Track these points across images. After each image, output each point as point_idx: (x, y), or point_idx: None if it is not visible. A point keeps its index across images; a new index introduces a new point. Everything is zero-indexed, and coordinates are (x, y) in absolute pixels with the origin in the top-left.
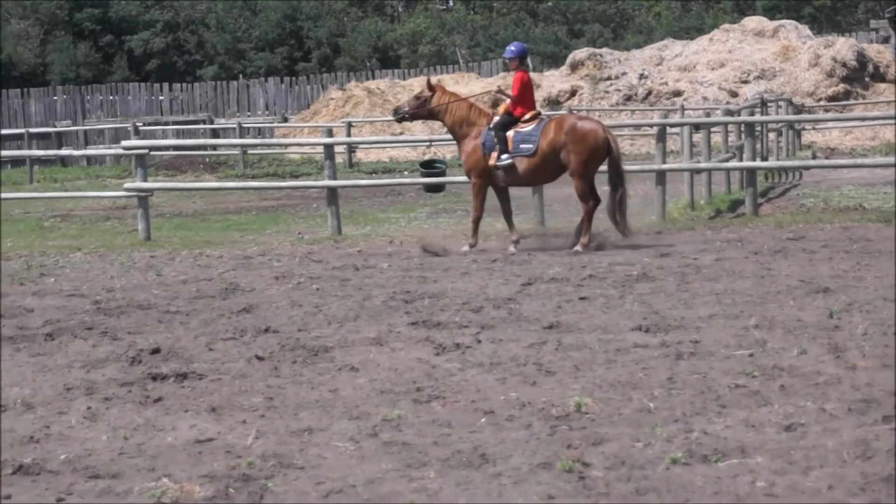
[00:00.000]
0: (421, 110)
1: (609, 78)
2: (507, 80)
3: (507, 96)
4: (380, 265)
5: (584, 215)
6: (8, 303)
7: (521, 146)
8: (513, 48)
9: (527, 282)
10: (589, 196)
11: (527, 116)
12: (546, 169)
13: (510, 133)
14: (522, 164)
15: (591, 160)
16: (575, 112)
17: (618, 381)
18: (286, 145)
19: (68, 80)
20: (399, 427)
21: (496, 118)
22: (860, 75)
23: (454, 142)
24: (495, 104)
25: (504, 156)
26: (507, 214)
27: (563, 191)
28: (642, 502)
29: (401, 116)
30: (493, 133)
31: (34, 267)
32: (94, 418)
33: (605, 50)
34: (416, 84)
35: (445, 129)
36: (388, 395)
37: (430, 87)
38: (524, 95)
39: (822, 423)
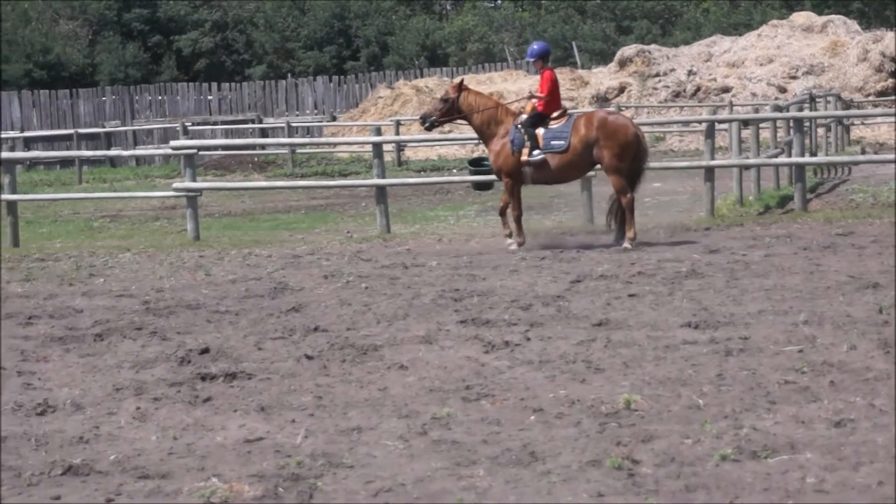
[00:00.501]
0: (450, 114)
1: (657, 74)
2: None
3: (537, 97)
4: (429, 263)
5: (625, 210)
6: (57, 303)
7: (553, 143)
8: (535, 47)
9: (576, 279)
10: (628, 189)
11: (555, 114)
12: (578, 165)
13: (539, 130)
14: (554, 161)
15: (623, 154)
16: (623, 109)
17: (667, 378)
18: (335, 144)
19: (117, 81)
20: (448, 425)
21: (523, 116)
22: None
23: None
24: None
25: (535, 152)
26: (506, 210)
27: (611, 189)
28: (692, 499)
29: (430, 123)
30: (522, 130)
31: (83, 267)
32: (144, 418)
33: (653, 46)
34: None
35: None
36: (438, 394)
37: (460, 88)
38: (552, 93)
39: (872, 419)
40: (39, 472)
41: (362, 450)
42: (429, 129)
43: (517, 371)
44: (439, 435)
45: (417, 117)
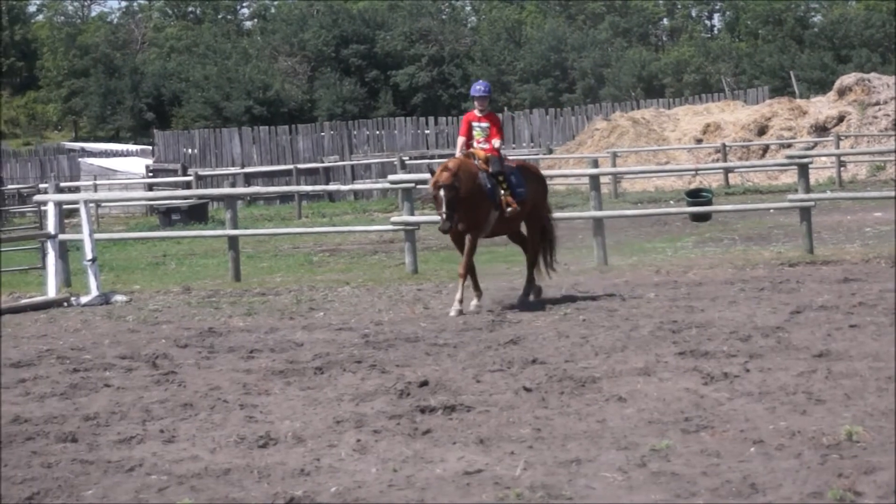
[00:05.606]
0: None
1: (877, 103)
2: (772, 108)
3: (494, 145)
4: (646, 295)
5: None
6: (278, 337)
7: (518, 190)
8: (486, 86)
9: (795, 310)
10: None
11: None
12: (524, 214)
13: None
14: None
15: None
16: (843, 139)
17: (889, 409)
18: (552, 176)
19: (335, 116)
20: (667, 457)
21: (478, 163)
22: None
23: (708, 171)
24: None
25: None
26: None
27: (831, 217)
28: None
29: (451, 216)
30: (499, 179)
31: (304, 301)
32: (364, 451)
33: (872, 75)
34: (681, 113)
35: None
36: (656, 426)
37: (449, 169)
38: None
39: None
40: (262, 503)
41: (581, 482)
42: (450, 230)
43: (736, 403)
44: (658, 467)
45: (634, 149)
